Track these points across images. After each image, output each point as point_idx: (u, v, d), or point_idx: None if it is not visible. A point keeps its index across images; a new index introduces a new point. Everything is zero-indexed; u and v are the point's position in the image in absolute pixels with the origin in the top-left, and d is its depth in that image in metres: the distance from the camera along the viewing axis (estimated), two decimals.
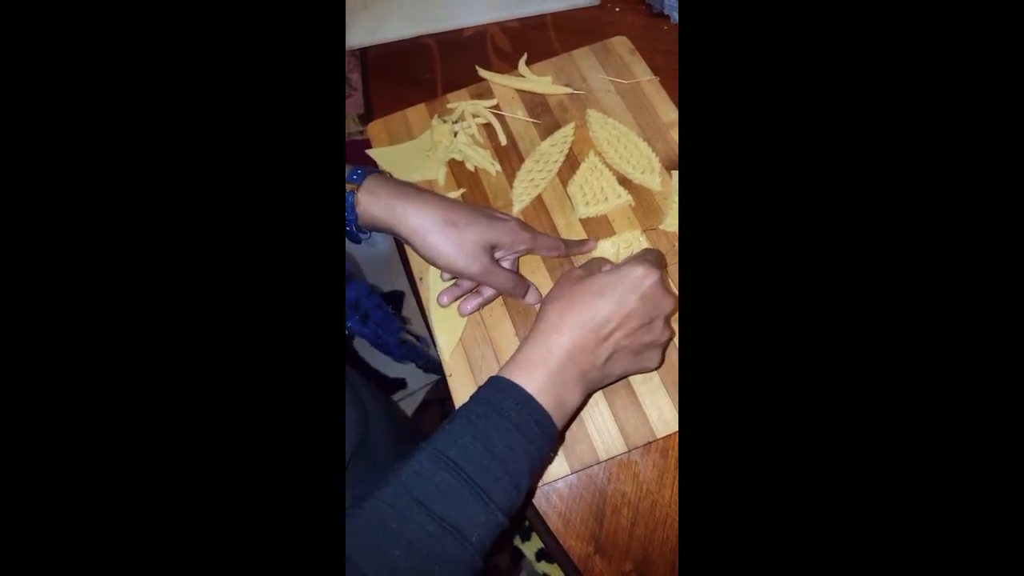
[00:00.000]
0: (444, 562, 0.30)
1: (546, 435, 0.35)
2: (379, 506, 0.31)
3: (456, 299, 0.48)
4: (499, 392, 0.35)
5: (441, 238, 0.42)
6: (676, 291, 0.47)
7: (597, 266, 0.42)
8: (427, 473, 0.32)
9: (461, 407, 0.36)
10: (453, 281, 0.49)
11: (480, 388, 0.36)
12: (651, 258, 0.40)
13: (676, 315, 0.46)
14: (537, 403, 0.35)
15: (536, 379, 0.35)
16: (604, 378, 0.39)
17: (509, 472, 0.33)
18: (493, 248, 0.44)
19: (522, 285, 0.46)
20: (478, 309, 0.48)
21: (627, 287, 0.37)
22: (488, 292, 0.47)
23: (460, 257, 0.43)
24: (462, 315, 0.48)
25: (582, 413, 0.45)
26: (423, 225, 0.42)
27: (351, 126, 1.32)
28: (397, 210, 0.43)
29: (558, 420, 0.36)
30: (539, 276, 0.51)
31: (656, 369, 0.42)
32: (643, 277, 0.38)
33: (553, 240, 0.48)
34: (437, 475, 0.32)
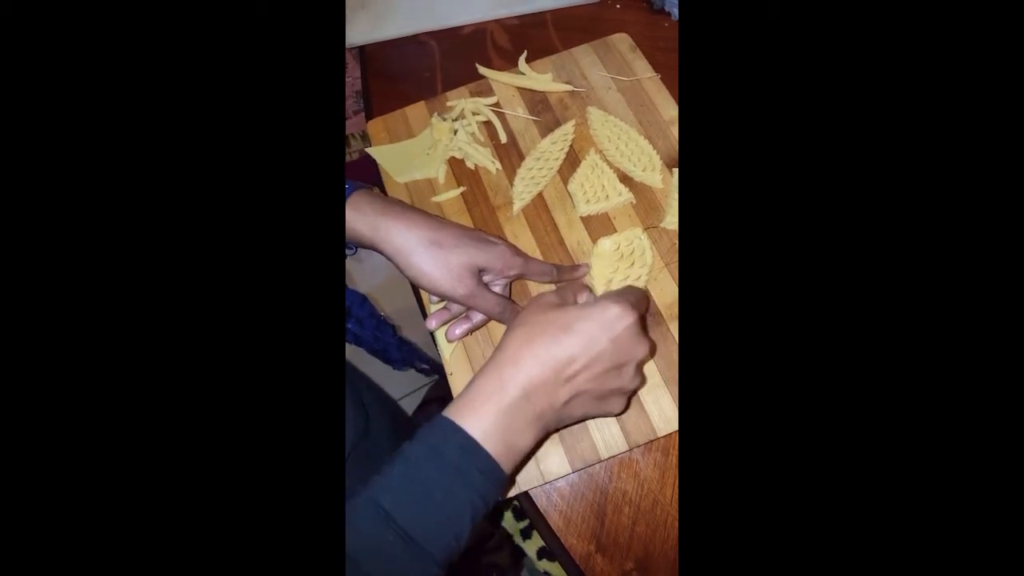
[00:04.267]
0: None
1: (492, 482, 0.32)
2: None
3: (445, 323, 0.47)
4: (442, 434, 0.32)
5: (426, 258, 0.41)
6: (652, 338, 0.45)
7: (573, 294, 0.39)
8: (359, 524, 0.30)
9: (403, 446, 0.33)
10: (443, 304, 0.48)
11: (423, 428, 0.34)
12: (631, 298, 0.36)
13: (649, 361, 0.43)
14: (482, 450, 0.32)
15: (483, 421, 0.32)
16: (561, 420, 0.36)
17: (449, 520, 0.31)
18: (481, 271, 0.43)
19: (512, 311, 0.44)
20: (467, 335, 0.47)
21: (599, 326, 0.34)
22: (478, 317, 0.46)
23: (445, 279, 0.41)
24: (449, 341, 0.47)
25: None
26: (407, 244, 0.41)
27: (355, 143, 1.30)
28: (381, 228, 0.42)
29: (506, 464, 0.33)
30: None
31: (619, 415, 0.39)
32: (618, 318, 0.34)
33: (545, 265, 0.47)
34: (367, 526, 0.30)
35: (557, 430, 0.37)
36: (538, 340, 0.34)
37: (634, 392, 0.38)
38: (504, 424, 0.33)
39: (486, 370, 0.34)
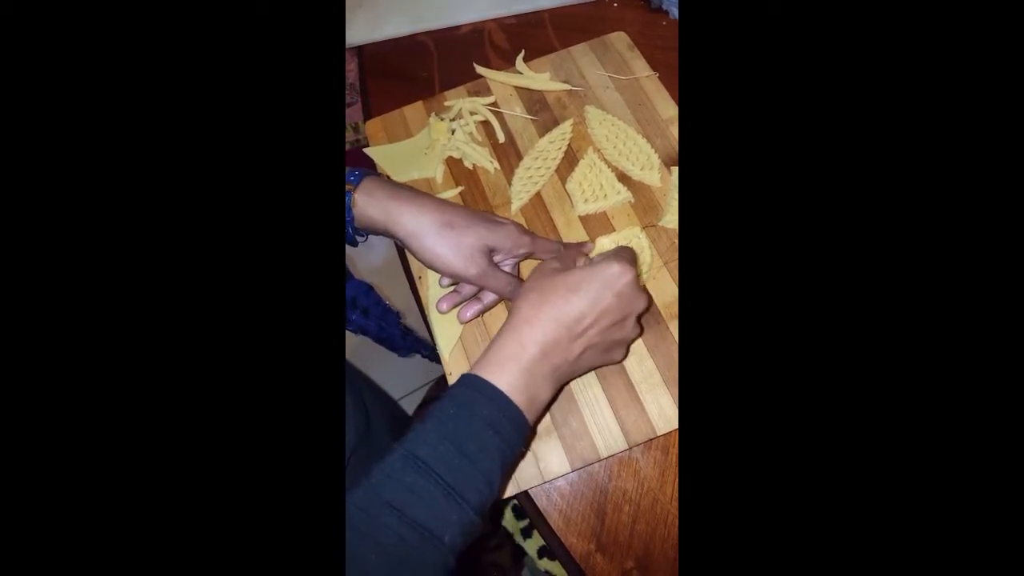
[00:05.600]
0: (416, 564, 0.30)
1: (518, 431, 0.35)
2: (349, 510, 0.30)
3: (455, 306, 0.47)
4: (470, 390, 0.35)
5: (438, 240, 0.42)
6: (652, 290, 0.48)
7: (572, 260, 0.42)
8: (397, 475, 0.32)
9: (433, 406, 0.35)
10: (452, 288, 0.48)
11: (452, 386, 0.36)
12: (626, 256, 0.39)
13: (646, 313, 0.46)
14: (509, 400, 0.35)
15: (508, 375, 0.35)
16: (574, 372, 0.39)
17: (480, 470, 0.33)
18: (491, 251, 0.44)
19: None
20: (478, 316, 0.47)
21: (603, 284, 0.37)
22: (488, 298, 0.47)
23: (458, 260, 0.42)
24: (462, 322, 0.47)
25: (583, 410, 0.45)
26: (420, 227, 0.42)
27: (354, 133, 1.31)
28: (393, 212, 0.42)
29: (530, 415, 0.36)
30: None
31: (620, 362, 0.42)
32: (619, 275, 0.37)
33: (553, 243, 0.48)
34: (408, 477, 0.31)
35: (568, 382, 0.41)
36: (550, 302, 0.37)
37: (632, 342, 0.42)
38: (526, 379, 0.36)
39: (504, 333, 0.37)
